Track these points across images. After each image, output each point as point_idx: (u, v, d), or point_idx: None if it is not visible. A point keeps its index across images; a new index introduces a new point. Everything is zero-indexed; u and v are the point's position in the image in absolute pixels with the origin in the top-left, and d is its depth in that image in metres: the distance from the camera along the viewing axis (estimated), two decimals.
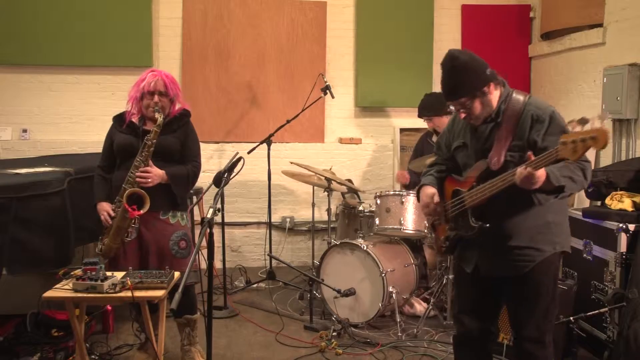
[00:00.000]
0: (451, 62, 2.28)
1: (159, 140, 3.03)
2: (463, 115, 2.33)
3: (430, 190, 2.51)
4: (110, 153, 3.20)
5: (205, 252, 2.55)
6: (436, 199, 2.48)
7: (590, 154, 4.49)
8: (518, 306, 2.39)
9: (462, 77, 2.26)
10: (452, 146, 2.52)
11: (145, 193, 2.99)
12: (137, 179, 3.01)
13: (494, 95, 2.30)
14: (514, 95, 2.31)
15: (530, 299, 2.34)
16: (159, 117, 3.02)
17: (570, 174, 2.12)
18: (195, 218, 4.59)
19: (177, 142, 3.17)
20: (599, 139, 1.82)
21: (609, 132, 1.84)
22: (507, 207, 2.27)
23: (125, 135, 3.14)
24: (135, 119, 3.16)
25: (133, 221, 3.01)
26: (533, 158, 2.02)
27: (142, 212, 2.98)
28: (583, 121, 1.90)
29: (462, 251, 2.48)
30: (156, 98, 3.09)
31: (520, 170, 2.04)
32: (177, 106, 3.24)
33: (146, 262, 3.07)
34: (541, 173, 2.02)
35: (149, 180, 3.02)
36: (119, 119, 3.23)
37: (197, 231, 4.42)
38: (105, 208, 3.10)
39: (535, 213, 2.27)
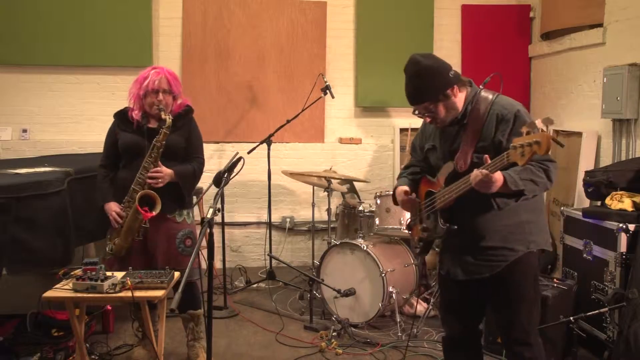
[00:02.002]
0: (413, 66, 2.27)
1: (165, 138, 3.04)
2: (428, 119, 2.33)
3: (402, 188, 2.52)
4: (112, 151, 3.20)
5: (205, 252, 2.55)
6: (408, 191, 2.49)
7: (590, 154, 4.50)
8: (500, 309, 2.38)
9: (424, 81, 2.25)
10: (424, 148, 2.52)
11: (157, 195, 3.00)
12: (148, 181, 3.02)
13: (459, 97, 2.28)
14: (482, 94, 2.29)
15: (511, 301, 2.33)
16: (168, 118, 3.01)
17: (531, 177, 2.11)
18: (195, 218, 4.57)
19: (182, 140, 3.18)
20: (542, 143, 1.82)
21: (551, 137, 1.84)
22: (475, 209, 2.26)
23: (130, 135, 3.14)
24: (137, 116, 3.15)
25: (144, 222, 3.02)
26: (489, 161, 2.02)
27: (154, 213, 2.99)
28: (531, 125, 1.90)
29: (440, 254, 2.49)
30: (160, 96, 3.09)
31: (475, 173, 2.04)
32: (179, 101, 3.23)
33: (153, 261, 3.08)
34: (497, 176, 2.02)
35: (160, 181, 3.04)
36: (121, 117, 3.22)
37: (197, 231, 4.42)
38: (113, 208, 3.10)
39: (507, 213, 2.25)
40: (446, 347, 2.63)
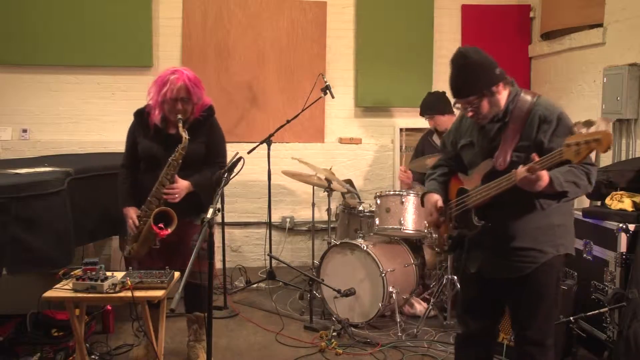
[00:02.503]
0: (462, 59, 2.26)
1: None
2: (470, 113, 2.31)
3: (434, 198, 2.51)
4: (133, 152, 3.19)
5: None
6: (439, 204, 2.48)
7: (590, 154, 4.48)
8: (520, 308, 2.39)
9: (471, 75, 2.24)
10: (458, 144, 2.51)
11: (173, 212, 2.98)
12: (164, 197, 3.02)
13: (503, 94, 2.29)
14: (522, 95, 2.30)
15: (533, 301, 2.34)
16: (184, 137, 2.95)
17: (574, 179, 2.11)
18: None
19: (202, 147, 3.14)
20: (603, 141, 1.82)
21: (612, 135, 1.84)
22: (511, 208, 2.26)
23: (148, 143, 3.12)
24: (157, 120, 3.10)
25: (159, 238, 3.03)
26: (537, 159, 2.01)
27: (169, 231, 2.99)
28: (588, 123, 1.90)
29: (467, 251, 2.47)
30: (179, 105, 3.03)
31: (521, 170, 2.03)
32: (200, 103, 3.15)
33: (172, 262, 3.05)
34: (544, 175, 2.01)
35: (176, 196, 3.03)
36: (140, 118, 3.18)
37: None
38: (131, 215, 3.10)
39: (540, 215, 2.26)
40: (460, 344, 2.63)
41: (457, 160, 2.55)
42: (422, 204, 2.60)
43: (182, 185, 3.05)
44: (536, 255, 2.29)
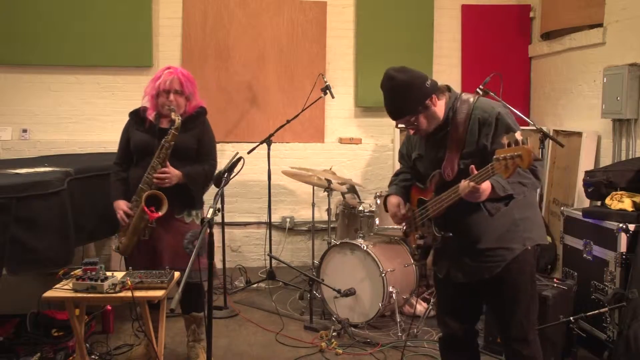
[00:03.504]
0: (389, 82, 2.26)
1: (175, 139, 3.03)
2: (412, 131, 2.35)
3: (394, 200, 2.52)
4: (126, 150, 3.22)
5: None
6: (402, 207, 2.50)
7: (590, 154, 4.49)
8: (499, 308, 2.39)
9: (402, 96, 2.25)
10: (412, 157, 2.52)
11: (164, 195, 3.00)
12: (155, 181, 3.03)
13: (439, 105, 2.29)
14: (463, 97, 2.29)
15: (510, 299, 2.33)
16: (177, 119, 3.01)
17: (518, 179, 2.11)
18: None
19: (194, 141, 3.18)
20: (524, 157, 1.82)
21: (532, 151, 1.82)
22: (468, 214, 2.26)
23: (141, 134, 3.16)
24: (151, 116, 3.16)
25: (150, 222, 3.03)
26: (475, 172, 2.02)
27: (160, 213, 3.00)
28: (511, 137, 1.89)
29: (435, 257, 2.48)
30: (171, 97, 3.09)
31: (463, 184, 2.05)
32: (193, 102, 3.22)
33: (159, 260, 3.08)
34: (485, 186, 2.04)
35: (167, 181, 3.04)
36: (135, 116, 3.24)
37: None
38: (121, 207, 3.12)
39: (499, 213, 2.24)
40: (443, 347, 2.63)
41: (414, 170, 2.55)
42: (385, 208, 2.60)
43: (174, 171, 3.07)
44: (504, 254, 2.29)
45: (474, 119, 2.23)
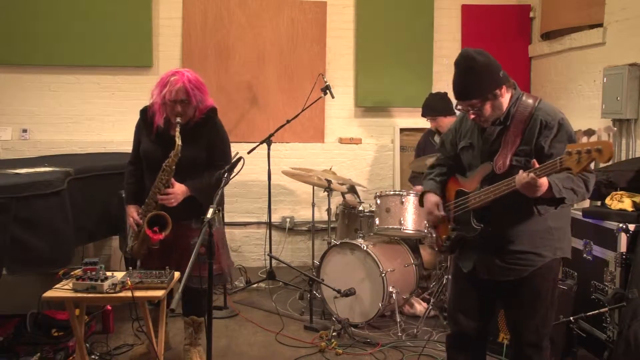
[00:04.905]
0: (466, 62, 2.24)
1: (183, 152, 2.96)
2: (472, 116, 2.30)
3: (434, 199, 2.50)
4: (138, 150, 3.19)
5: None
6: (440, 208, 2.48)
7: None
8: (517, 310, 2.39)
9: (476, 78, 2.22)
10: (458, 145, 2.50)
11: (168, 216, 2.97)
12: (160, 201, 3.00)
13: (505, 98, 2.28)
14: (523, 98, 2.29)
15: (530, 304, 2.33)
16: (177, 144, 2.92)
17: (572, 186, 2.12)
18: None
19: (202, 151, 3.09)
20: (604, 152, 1.82)
21: (613, 146, 1.83)
22: (509, 212, 2.26)
23: (148, 144, 3.11)
24: (160, 121, 3.07)
25: (153, 243, 3.03)
26: (537, 165, 2.01)
27: (163, 236, 2.98)
28: (589, 132, 1.89)
29: (462, 251, 2.46)
30: (179, 107, 2.99)
31: (522, 175, 2.04)
32: (203, 106, 3.11)
33: (170, 263, 3.01)
34: (543, 181, 2.02)
35: (172, 201, 3.01)
36: (145, 115, 3.16)
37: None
38: (132, 213, 3.11)
39: (538, 218, 2.25)
40: (451, 345, 2.60)
41: (456, 160, 2.54)
42: (421, 203, 2.60)
43: (179, 189, 3.01)
44: (534, 259, 2.29)
45: (535, 119, 2.22)
